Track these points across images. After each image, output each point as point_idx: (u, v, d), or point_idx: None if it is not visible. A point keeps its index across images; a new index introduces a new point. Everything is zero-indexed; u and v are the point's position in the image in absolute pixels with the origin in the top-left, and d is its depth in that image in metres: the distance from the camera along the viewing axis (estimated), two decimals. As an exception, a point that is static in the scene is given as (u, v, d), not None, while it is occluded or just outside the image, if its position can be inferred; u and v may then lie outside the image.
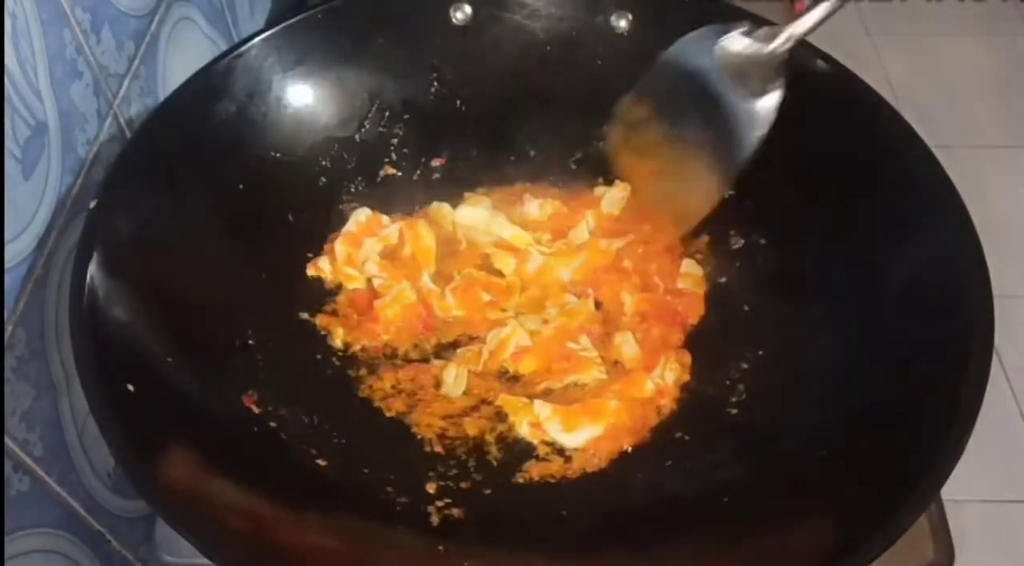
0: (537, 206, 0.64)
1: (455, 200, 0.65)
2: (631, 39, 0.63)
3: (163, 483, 0.42)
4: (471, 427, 0.54)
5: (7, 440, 0.43)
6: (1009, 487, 1.17)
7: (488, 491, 0.52)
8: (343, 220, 0.62)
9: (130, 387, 0.44)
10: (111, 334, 0.46)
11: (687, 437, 0.54)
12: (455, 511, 0.50)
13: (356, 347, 0.58)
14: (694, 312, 0.59)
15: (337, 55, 0.62)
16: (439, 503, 0.50)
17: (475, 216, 0.63)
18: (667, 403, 0.55)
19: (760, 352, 0.56)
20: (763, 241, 0.60)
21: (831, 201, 0.57)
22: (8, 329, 0.44)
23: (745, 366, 0.56)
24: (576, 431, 0.53)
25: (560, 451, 0.53)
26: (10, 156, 0.43)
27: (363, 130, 0.64)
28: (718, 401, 0.55)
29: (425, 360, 0.58)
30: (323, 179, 0.63)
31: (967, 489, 1.11)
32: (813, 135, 0.57)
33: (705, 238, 0.62)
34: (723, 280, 0.60)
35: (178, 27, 0.63)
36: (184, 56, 0.63)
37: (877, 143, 0.55)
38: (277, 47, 0.59)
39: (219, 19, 0.70)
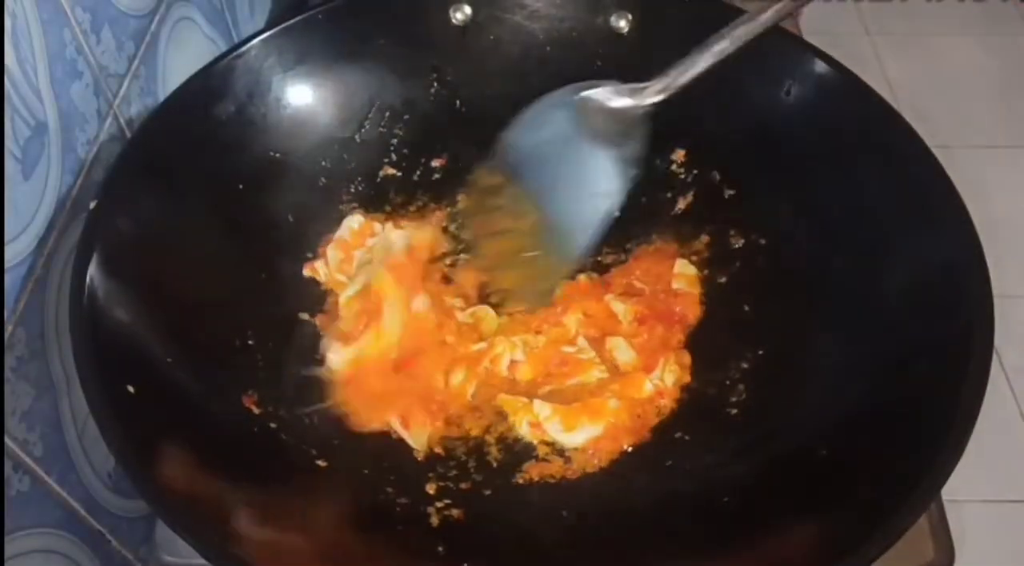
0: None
1: (453, 202, 0.65)
2: (631, 39, 0.63)
3: (163, 483, 0.41)
4: (473, 427, 0.54)
5: (7, 440, 0.43)
6: (1009, 487, 1.17)
7: (488, 492, 0.52)
8: (343, 220, 0.62)
9: (130, 387, 0.44)
10: (111, 334, 0.46)
11: (687, 437, 0.54)
12: (455, 512, 0.50)
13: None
14: (692, 312, 0.59)
15: (337, 55, 0.62)
16: (439, 504, 0.50)
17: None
18: (667, 403, 0.55)
19: (760, 352, 0.56)
20: (763, 241, 0.60)
21: (831, 201, 0.57)
22: (8, 329, 0.44)
23: (745, 366, 0.56)
24: (576, 431, 0.53)
25: (560, 451, 0.53)
26: (10, 156, 0.43)
27: (363, 130, 0.64)
28: (718, 401, 0.55)
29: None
30: (323, 179, 0.63)
31: (967, 489, 1.12)
32: (813, 135, 0.57)
33: (705, 238, 0.62)
34: (723, 280, 0.60)
35: (178, 27, 0.63)
36: (184, 56, 0.63)
37: (877, 143, 0.55)
38: (277, 47, 0.59)
39: (219, 19, 0.70)
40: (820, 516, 0.45)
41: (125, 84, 0.56)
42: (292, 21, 0.60)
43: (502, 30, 0.64)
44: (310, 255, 0.61)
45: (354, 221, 0.62)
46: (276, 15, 0.81)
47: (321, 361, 0.56)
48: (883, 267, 0.52)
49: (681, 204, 0.63)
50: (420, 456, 0.53)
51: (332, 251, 0.61)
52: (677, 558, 0.47)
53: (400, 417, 0.54)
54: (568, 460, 0.53)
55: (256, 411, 0.52)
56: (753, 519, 0.47)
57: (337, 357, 0.56)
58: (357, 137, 0.64)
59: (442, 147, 0.66)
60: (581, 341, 0.58)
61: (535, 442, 0.54)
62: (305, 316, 0.59)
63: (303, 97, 0.62)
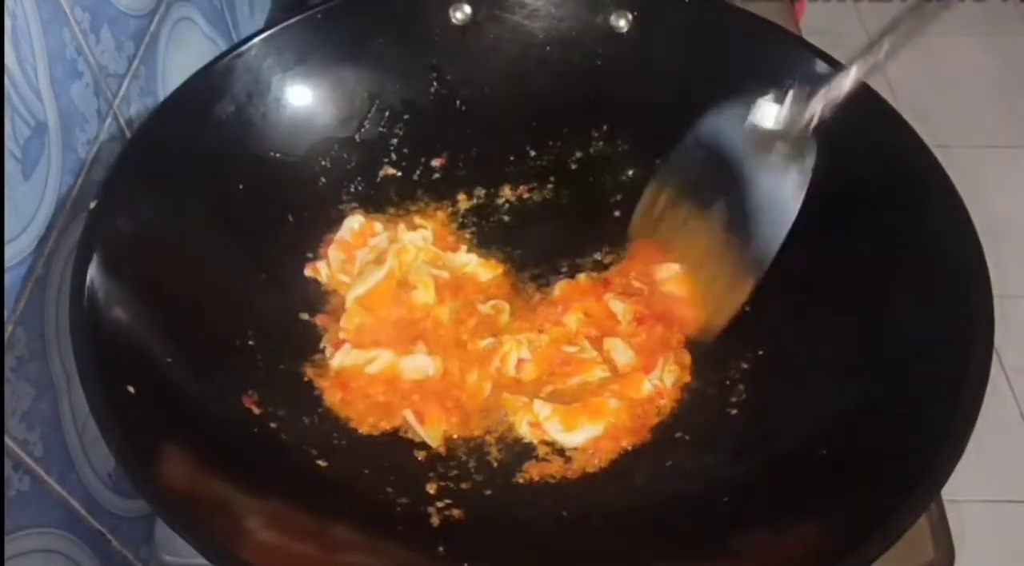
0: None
1: (453, 202, 0.65)
2: (631, 39, 0.63)
3: (163, 483, 0.41)
4: (477, 427, 0.54)
5: (7, 440, 0.44)
6: (1009, 487, 1.17)
7: (488, 492, 0.52)
8: (343, 220, 0.62)
9: (130, 387, 0.44)
10: (111, 334, 0.46)
11: (687, 437, 0.54)
12: (455, 512, 0.50)
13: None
14: (688, 313, 0.59)
15: (337, 55, 0.62)
16: (439, 504, 0.50)
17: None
18: (667, 403, 0.55)
19: (760, 352, 0.56)
20: (763, 241, 0.59)
21: (831, 202, 0.56)
22: (8, 329, 0.44)
23: (745, 366, 0.56)
24: (576, 431, 0.53)
25: (560, 451, 0.53)
26: (10, 156, 0.43)
27: (363, 130, 0.64)
28: (718, 401, 0.55)
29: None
30: (323, 179, 0.63)
31: (967, 489, 1.12)
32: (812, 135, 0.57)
33: (705, 238, 0.62)
34: (723, 280, 0.60)
35: (178, 27, 0.63)
36: (184, 56, 0.63)
37: (876, 143, 0.55)
38: (277, 47, 0.59)
39: (219, 19, 0.70)
40: (820, 516, 0.45)
41: (125, 84, 0.56)
42: (291, 21, 0.60)
43: (502, 30, 0.64)
44: (310, 255, 0.61)
45: (355, 221, 0.62)
46: (276, 15, 0.81)
47: (322, 362, 0.57)
48: (883, 267, 0.52)
49: (681, 204, 0.63)
50: (421, 456, 0.53)
51: (334, 251, 0.61)
52: (677, 558, 0.47)
53: (416, 412, 0.54)
54: (568, 460, 0.53)
55: (256, 411, 0.52)
56: (753, 519, 0.47)
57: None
58: (357, 137, 0.64)
59: (442, 147, 0.66)
60: (583, 341, 0.58)
61: (535, 442, 0.54)
62: (305, 316, 0.59)
63: (303, 97, 0.62)
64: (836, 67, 0.56)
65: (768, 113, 0.51)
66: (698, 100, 0.55)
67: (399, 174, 0.66)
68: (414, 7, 0.64)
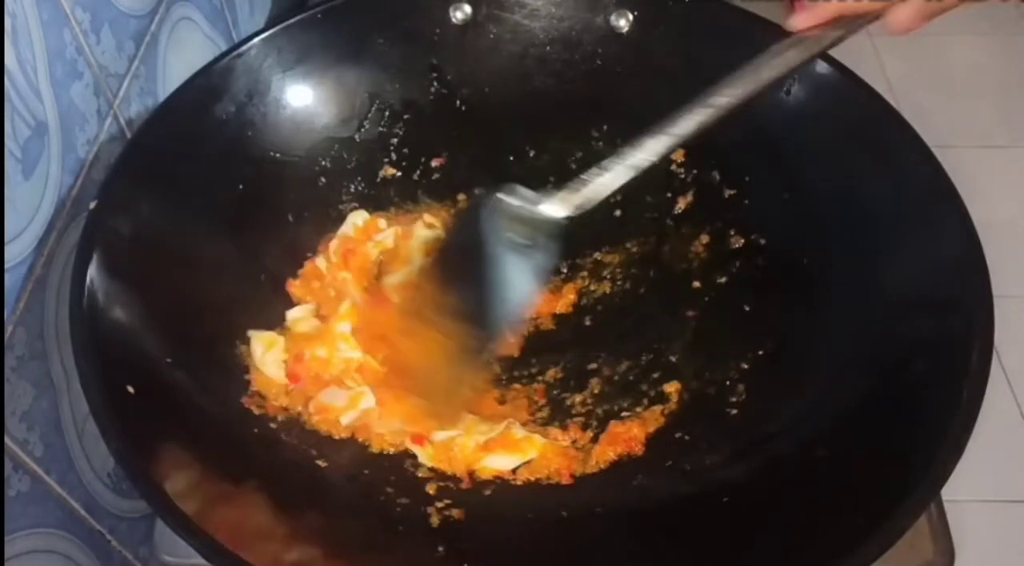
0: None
1: (453, 202, 0.65)
2: (631, 39, 0.63)
3: (163, 483, 0.41)
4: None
5: (7, 440, 0.44)
6: (1009, 487, 1.17)
7: (488, 492, 0.52)
8: (343, 220, 0.62)
9: (130, 387, 0.44)
10: (111, 334, 0.46)
11: (687, 437, 0.54)
12: (455, 512, 0.50)
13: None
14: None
15: (337, 55, 0.62)
16: (439, 504, 0.50)
17: None
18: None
19: (760, 352, 0.56)
20: (763, 241, 0.60)
21: (831, 201, 0.57)
22: (8, 329, 0.44)
23: (745, 366, 0.56)
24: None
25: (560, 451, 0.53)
26: (10, 156, 0.43)
27: (363, 130, 0.64)
28: (718, 401, 0.55)
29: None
30: (323, 179, 0.63)
31: (967, 489, 1.12)
32: (813, 135, 0.57)
33: (705, 238, 0.62)
34: (723, 280, 0.60)
35: (178, 27, 0.63)
36: (184, 56, 0.63)
37: (877, 143, 0.55)
38: (277, 47, 0.59)
39: (219, 19, 0.70)
40: (820, 516, 0.45)
41: (125, 84, 0.56)
42: (292, 21, 0.60)
43: (502, 29, 0.64)
44: (311, 254, 0.61)
45: (359, 217, 0.62)
46: (276, 15, 0.81)
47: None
48: (883, 267, 0.52)
49: (681, 204, 0.63)
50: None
51: (334, 248, 0.61)
52: (677, 558, 0.47)
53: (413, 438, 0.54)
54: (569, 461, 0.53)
55: (256, 411, 0.52)
56: (753, 519, 0.47)
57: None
58: (357, 137, 0.64)
59: (442, 147, 0.66)
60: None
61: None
62: (305, 316, 0.59)
63: (303, 97, 0.62)
64: (835, 67, 0.56)
65: (521, 198, 0.50)
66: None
67: (399, 174, 0.66)
68: (414, 7, 0.64)
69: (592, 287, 0.62)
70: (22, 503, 0.45)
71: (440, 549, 0.48)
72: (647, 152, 0.48)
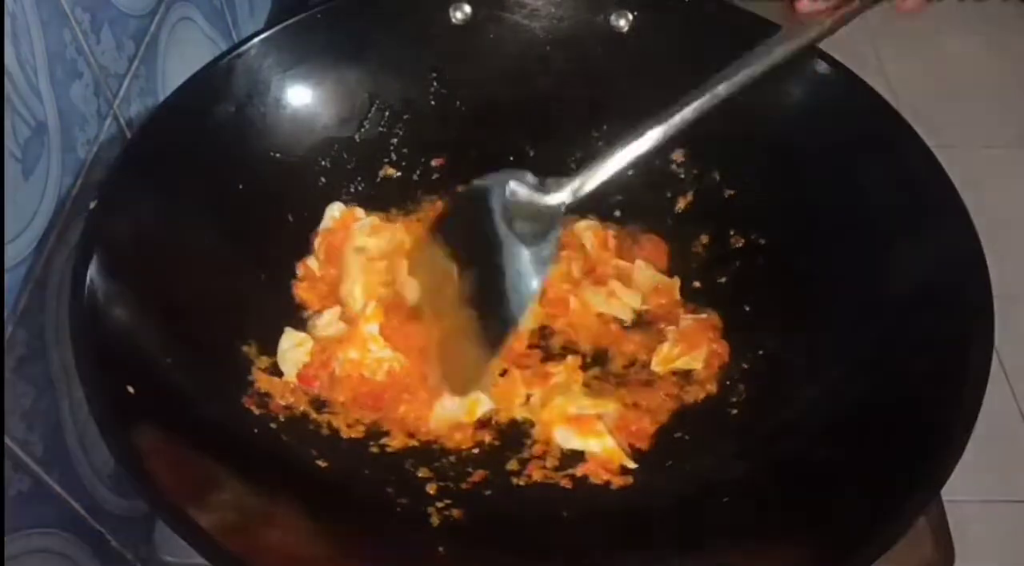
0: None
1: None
2: (631, 39, 0.63)
3: (163, 484, 0.41)
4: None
5: (7, 440, 0.43)
6: (1009, 487, 1.17)
7: (488, 492, 0.52)
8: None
9: (130, 387, 0.44)
10: (111, 334, 0.46)
11: (687, 437, 0.54)
12: (455, 512, 0.50)
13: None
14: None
15: (337, 55, 0.62)
16: (439, 504, 0.50)
17: None
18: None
19: (760, 352, 0.56)
20: (763, 241, 0.60)
21: (831, 201, 0.57)
22: (8, 329, 0.44)
23: (745, 366, 0.56)
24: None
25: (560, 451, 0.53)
26: (10, 156, 0.43)
27: (363, 130, 0.64)
28: (718, 401, 0.55)
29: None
30: (323, 179, 0.63)
31: (967, 489, 1.11)
32: (813, 135, 0.57)
33: (705, 238, 0.62)
34: (723, 280, 0.60)
35: (178, 27, 0.63)
36: (184, 56, 0.63)
37: (877, 143, 0.55)
38: (277, 47, 0.59)
39: (219, 19, 0.70)
40: (820, 516, 0.45)
41: (125, 84, 0.56)
42: (292, 21, 0.60)
43: (502, 29, 0.64)
44: (309, 255, 0.61)
45: (335, 210, 0.62)
46: (276, 15, 0.81)
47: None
48: (883, 267, 0.52)
49: (681, 204, 0.63)
50: (420, 455, 0.53)
51: (320, 243, 0.61)
52: (677, 558, 0.47)
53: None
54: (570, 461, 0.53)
55: (256, 411, 0.52)
56: (753, 519, 0.47)
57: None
58: (357, 137, 0.64)
59: (442, 147, 0.66)
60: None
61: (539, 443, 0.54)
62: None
63: (303, 97, 0.61)
64: (835, 67, 0.56)
65: (527, 187, 0.51)
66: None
67: (399, 174, 0.66)
68: (414, 7, 0.64)
69: (592, 287, 0.62)
70: (22, 503, 0.45)
71: (440, 549, 0.48)
72: (644, 140, 0.49)
